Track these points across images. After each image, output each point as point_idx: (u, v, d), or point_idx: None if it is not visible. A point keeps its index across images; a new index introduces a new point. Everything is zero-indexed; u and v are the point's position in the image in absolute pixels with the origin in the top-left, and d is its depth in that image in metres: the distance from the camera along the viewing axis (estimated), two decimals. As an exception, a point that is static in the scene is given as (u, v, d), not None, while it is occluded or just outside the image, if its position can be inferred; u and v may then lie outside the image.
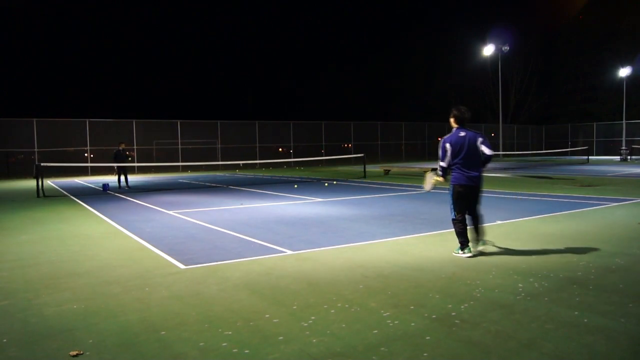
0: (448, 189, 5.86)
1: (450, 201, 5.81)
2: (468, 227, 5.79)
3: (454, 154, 5.72)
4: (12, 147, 27.20)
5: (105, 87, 53.75)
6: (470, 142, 5.69)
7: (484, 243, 5.88)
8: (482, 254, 5.88)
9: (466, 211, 5.79)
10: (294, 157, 33.63)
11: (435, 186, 6.26)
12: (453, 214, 5.80)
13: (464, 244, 5.74)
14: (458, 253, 5.79)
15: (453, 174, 5.76)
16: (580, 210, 9.50)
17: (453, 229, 5.85)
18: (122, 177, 17.70)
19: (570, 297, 4.24)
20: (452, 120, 5.92)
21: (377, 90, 58.74)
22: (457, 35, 54.85)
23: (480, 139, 5.73)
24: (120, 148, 17.63)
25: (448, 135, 5.83)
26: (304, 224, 8.45)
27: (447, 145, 5.75)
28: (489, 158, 5.76)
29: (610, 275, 4.89)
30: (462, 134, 5.73)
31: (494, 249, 6.09)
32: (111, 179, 19.63)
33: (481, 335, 3.44)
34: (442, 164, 5.80)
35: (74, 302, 4.40)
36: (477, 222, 5.85)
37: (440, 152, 5.82)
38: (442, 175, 5.88)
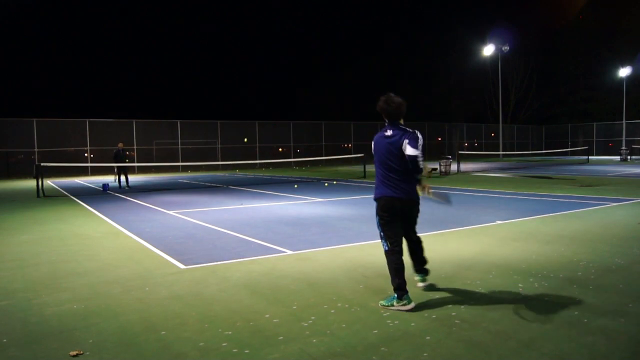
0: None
1: (377, 225, 4.23)
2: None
3: (379, 161, 4.23)
4: (12, 147, 27.19)
5: (105, 87, 53.72)
6: (394, 144, 4.11)
7: (423, 278, 4.48)
8: (482, 254, 5.88)
9: (401, 237, 4.23)
10: (297, 157, 33.61)
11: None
12: (382, 241, 4.19)
13: (401, 289, 3.98)
14: (392, 305, 3.99)
15: (376, 187, 4.26)
16: (580, 210, 9.50)
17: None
18: (122, 177, 17.72)
19: (570, 297, 4.24)
20: (383, 115, 4.30)
21: (376, 90, 58.70)
22: (457, 35, 54.77)
23: (406, 140, 4.04)
24: (120, 148, 17.65)
25: (377, 136, 4.31)
26: (304, 224, 8.45)
27: (373, 147, 4.32)
28: (413, 160, 3.99)
29: (610, 275, 4.89)
30: (393, 132, 4.17)
31: (493, 250, 6.10)
32: (111, 179, 19.65)
33: (481, 335, 3.44)
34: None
35: (74, 302, 4.40)
36: (414, 248, 4.46)
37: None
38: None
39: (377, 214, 4.21)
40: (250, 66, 62.68)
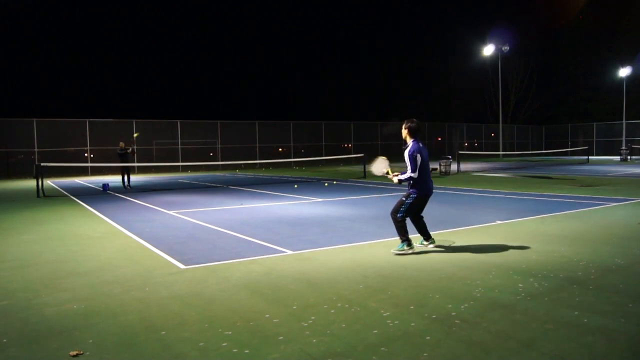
0: (409, 196, 5.97)
1: (406, 205, 5.98)
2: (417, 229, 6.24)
3: (423, 164, 5.97)
4: (12, 147, 27.19)
5: (105, 87, 53.67)
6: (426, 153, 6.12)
7: (434, 242, 6.28)
8: (482, 254, 5.89)
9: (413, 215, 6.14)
10: (299, 157, 33.61)
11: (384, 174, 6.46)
12: (401, 215, 5.98)
13: (410, 241, 5.99)
14: (403, 249, 5.95)
15: (419, 184, 5.96)
16: (580, 210, 9.50)
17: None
18: (125, 176, 17.71)
19: (570, 297, 4.24)
20: (406, 132, 6.10)
21: (377, 90, 58.75)
22: (457, 35, 54.79)
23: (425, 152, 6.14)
24: (122, 147, 17.66)
25: (414, 146, 5.96)
26: (304, 224, 8.45)
27: (419, 156, 5.92)
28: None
29: (610, 275, 4.89)
30: (421, 145, 6.05)
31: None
32: (115, 179, 19.66)
33: (481, 335, 3.44)
34: (413, 175, 5.91)
35: (74, 302, 4.40)
36: (424, 223, 6.25)
37: (411, 163, 5.91)
38: (402, 181, 6.08)
39: (417, 198, 5.98)
40: (250, 66, 62.65)
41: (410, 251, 5.93)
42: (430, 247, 6.22)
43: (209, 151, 32.71)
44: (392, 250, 6.03)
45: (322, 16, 67.01)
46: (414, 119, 6.11)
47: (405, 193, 6.09)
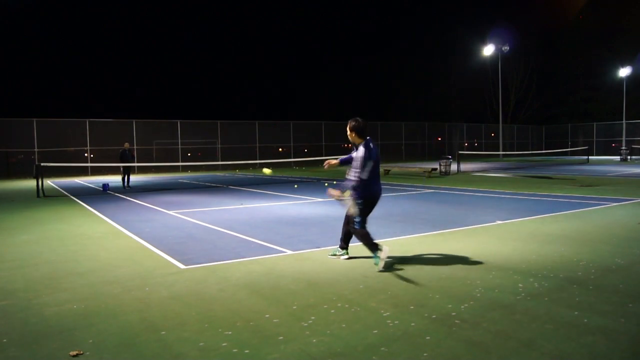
0: (356, 202, 5.30)
1: (359, 213, 5.33)
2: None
3: (375, 167, 5.33)
4: (12, 147, 27.18)
5: (105, 87, 53.66)
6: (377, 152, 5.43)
7: (347, 253, 5.77)
8: (482, 254, 5.89)
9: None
10: (300, 157, 33.58)
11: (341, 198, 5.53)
12: (359, 225, 5.37)
13: (377, 247, 5.32)
14: (379, 258, 5.26)
15: (362, 187, 5.27)
16: (580, 210, 9.50)
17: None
18: (125, 177, 17.72)
19: (570, 297, 4.24)
20: (353, 133, 5.35)
21: (377, 90, 58.76)
22: (457, 35, 54.79)
23: None
24: (126, 148, 17.68)
25: (367, 152, 5.22)
26: (304, 224, 8.45)
27: (371, 162, 5.26)
28: None
29: (610, 275, 4.89)
30: (372, 145, 5.34)
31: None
32: (115, 179, 19.69)
33: (481, 335, 3.44)
34: (363, 176, 5.22)
35: (74, 302, 4.40)
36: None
37: (360, 164, 5.19)
38: (356, 187, 5.27)
39: (363, 202, 5.29)
40: (250, 66, 62.64)
41: (384, 255, 5.24)
42: (343, 258, 5.74)
43: (209, 151, 32.71)
44: (377, 270, 5.24)
45: (322, 16, 67.02)
46: (358, 118, 5.39)
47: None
